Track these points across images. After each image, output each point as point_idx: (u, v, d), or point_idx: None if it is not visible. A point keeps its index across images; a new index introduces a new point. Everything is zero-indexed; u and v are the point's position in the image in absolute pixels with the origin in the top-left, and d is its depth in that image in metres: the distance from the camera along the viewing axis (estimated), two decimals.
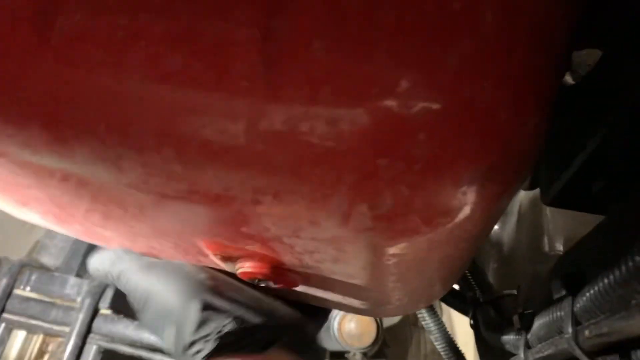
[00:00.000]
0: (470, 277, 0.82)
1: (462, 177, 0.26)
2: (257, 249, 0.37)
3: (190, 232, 0.38)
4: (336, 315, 1.24)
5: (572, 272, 0.36)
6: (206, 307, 0.45)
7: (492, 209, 0.30)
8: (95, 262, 0.58)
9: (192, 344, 0.44)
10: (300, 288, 0.47)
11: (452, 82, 0.25)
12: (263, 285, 0.42)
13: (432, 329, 0.87)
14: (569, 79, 0.52)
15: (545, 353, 0.39)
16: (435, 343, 0.89)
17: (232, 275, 0.49)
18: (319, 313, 0.58)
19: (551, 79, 0.30)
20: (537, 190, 0.80)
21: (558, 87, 0.42)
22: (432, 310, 0.89)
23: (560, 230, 0.75)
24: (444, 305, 1.68)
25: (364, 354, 1.27)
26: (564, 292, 0.35)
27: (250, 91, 0.25)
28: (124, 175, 0.31)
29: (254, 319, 0.46)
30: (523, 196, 0.89)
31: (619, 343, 0.33)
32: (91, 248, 1.20)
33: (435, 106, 0.25)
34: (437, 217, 0.28)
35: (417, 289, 0.42)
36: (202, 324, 0.44)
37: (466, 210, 0.28)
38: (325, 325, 1.25)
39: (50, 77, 0.28)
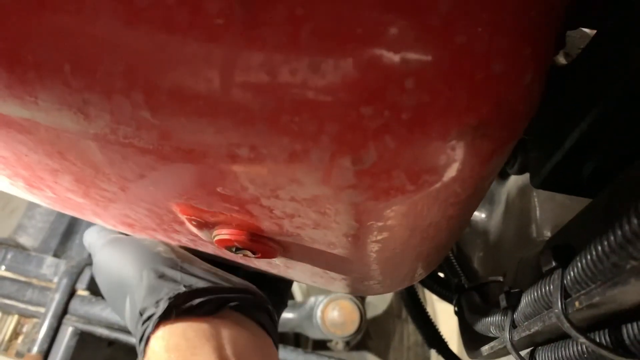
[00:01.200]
0: (455, 264, 0.81)
1: (451, 130, 0.25)
2: (234, 214, 0.35)
3: (164, 195, 0.36)
4: (319, 304, 1.23)
5: (563, 244, 0.34)
6: (159, 275, 0.46)
7: (482, 170, 0.28)
8: (86, 236, 0.58)
9: (145, 310, 0.43)
10: (280, 261, 0.46)
11: (443, 26, 0.23)
12: (241, 254, 0.40)
13: (415, 316, 0.86)
14: (561, 59, 0.51)
15: (532, 330, 0.38)
16: (419, 331, 0.88)
17: (193, 251, 0.49)
18: (280, 290, 0.59)
19: (548, 37, 0.29)
20: (525, 179, 0.79)
21: (553, 57, 0.41)
22: (414, 296, 0.87)
23: (549, 218, 0.74)
24: (427, 299, 1.68)
25: (347, 343, 1.26)
26: (553, 264, 0.33)
27: (225, 31, 0.24)
28: (91, 124, 0.28)
29: (206, 285, 0.46)
30: (511, 185, 0.88)
31: (608, 317, 0.32)
32: (70, 228, 1.18)
33: (425, 52, 0.23)
34: (424, 175, 0.26)
35: (401, 263, 0.41)
36: (153, 289, 0.44)
37: (454, 168, 0.26)
38: (308, 313, 1.24)
39: (12, 13, 0.26)
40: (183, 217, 0.38)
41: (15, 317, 1.05)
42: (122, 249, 0.52)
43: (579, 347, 0.36)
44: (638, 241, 0.24)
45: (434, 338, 0.86)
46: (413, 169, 0.26)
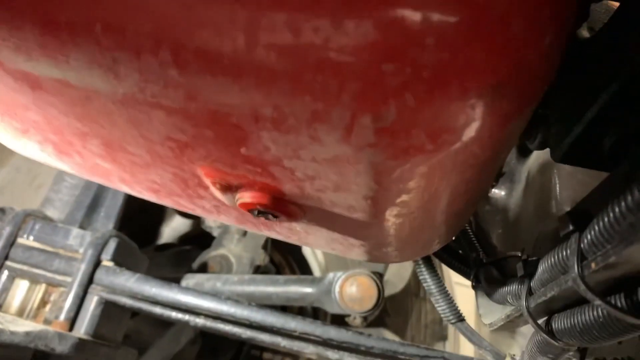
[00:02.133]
0: (474, 239, 0.81)
1: (470, 89, 0.25)
2: (257, 177, 0.36)
3: (189, 157, 0.37)
4: (338, 279, 1.24)
5: (580, 209, 0.34)
6: None
7: (500, 132, 0.29)
8: None
9: None
10: (300, 227, 0.47)
11: None
12: (262, 218, 0.41)
13: (433, 290, 0.86)
14: (585, 33, 0.50)
15: (549, 296, 0.38)
16: (436, 305, 0.88)
17: None
18: None
19: (570, 1, 0.29)
20: (546, 157, 0.79)
21: (575, 23, 0.41)
22: (433, 271, 0.88)
23: (569, 194, 0.74)
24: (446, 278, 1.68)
25: (364, 318, 1.27)
26: (570, 228, 0.34)
27: None
28: (121, 83, 0.29)
29: None
30: (532, 163, 0.88)
31: (623, 280, 0.32)
32: (95, 201, 1.21)
33: (446, 11, 0.24)
34: (443, 134, 0.27)
35: (420, 229, 0.41)
36: None
37: (473, 128, 0.27)
38: (327, 288, 1.25)
39: None
40: (207, 181, 0.39)
41: (43, 286, 1.08)
42: None
43: (595, 313, 0.36)
44: None
45: (451, 313, 0.87)
46: (433, 128, 0.27)
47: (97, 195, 1.20)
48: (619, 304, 0.32)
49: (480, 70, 0.25)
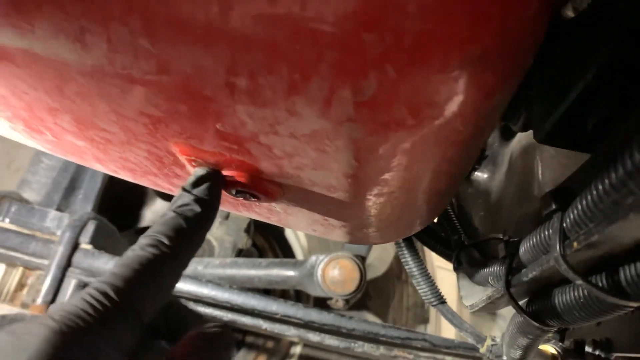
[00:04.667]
0: (455, 221, 0.81)
1: (453, 60, 0.24)
2: (234, 155, 0.35)
3: (162, 134, 0.36)
4: (320, 262, 1.24)
5: (563, 187, 0.34)
6: None
7: (483, 106, 0.28)
8: None
9: None
10: (280, 207, 0.46)
11: None
12: (241, 198, 0.40)
13: (415, 272, 0.86)
14: (569, 13, 0.50)
15: (530, 276, 0.38)
16: (417, 287, 0.88)
17: None
18: None
19: None
20: (529, 140, 0.78)
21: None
22: (415, 253, 0.88)
23: (551, 177, 0.74)
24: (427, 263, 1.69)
25: (346, 301, 1.27)
26: (553, 207, 0.33)
27: None
28: (89, 54, 0.28)
29: None
30: (515, 145, 0.88)
31: (606, 259, 0.32)
32: (73, 183, 1.18)
33: None
34: (425, 108, 0.26)
35: (401, 209, 0.41)
36: None
37: (456, 102, 0.26)
38: (309, 271, 1.25)
39: None
40: (183, 158, 0.38)
41: (20, 269, 1.07)
42: None
43: (576, 293, 0.36)
44: (639, 176, 0.24)
45: (432, 295, 0.87)
46: (414, 102, 0.26)
47: (75, 177, 1.18)
48: (599, 284, 0.32)
49: (464, 39, 0.24)
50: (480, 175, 0.94)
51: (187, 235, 0.36)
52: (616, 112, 0.39)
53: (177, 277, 0.36)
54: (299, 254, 1.67)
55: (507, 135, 0.90)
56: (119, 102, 0.33)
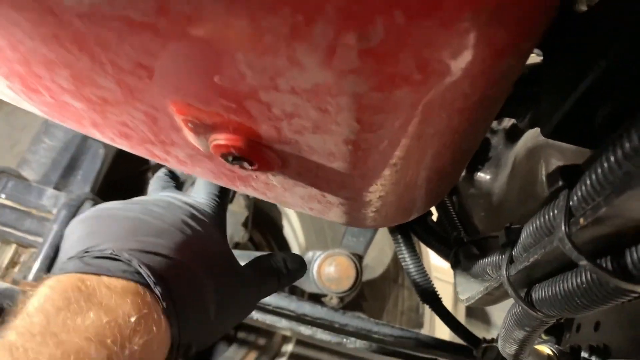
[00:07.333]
0: (455, 218, 0.80)
1: (466, 9, 0.23)
2: (232, 115, 0.34)
3: (160, 90, 0.34)
4: (317, 258, 1.23)
5: (571, 165, 0.33)
6: None
7: (493, 69, 0.27)
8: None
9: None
10: (277, 181, 0.45)
11: None
12: (237, 165, 0.39)
13: (411, 270, 0.85)
14: (582, 6, 0.49)
15: (531, 260, 0.37)
16: (414, 286, 0.87)
17: None
18: None
19: None
20: (534, 142, 0.77)
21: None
22: (413, 251, 0.87)
23: None
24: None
25: (341, 299, 1.26)
26: (560, 184, 0.32)
27: None
28: None
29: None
30: (519, 148, 0.87)
31: (612, 239, 0.30)
32: (72, 163, 1.17)
33: None
34: (432, 62, 0.25)
35: (401, 185, 0.39)
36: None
37: (466, 57, 0.25)
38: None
39: None
40: (179, 119, 0.37)
41: (14, 246, 1.05)
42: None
43: (578, 279, 0.35)
44: None
45: (427, 293, 0.86)
46: (421, 54, 0.24)
47: (74, 158, 1.17)
48: (604, 266, 0.31)
49: None
50: (483, 176, 0.93)
51: None
52: (624, 107, 0.38)
53: None
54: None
55: (511, 138, 0.89)
56: (116, 51, 0.32)
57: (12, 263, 1.07)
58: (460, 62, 0.25)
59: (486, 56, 0.25)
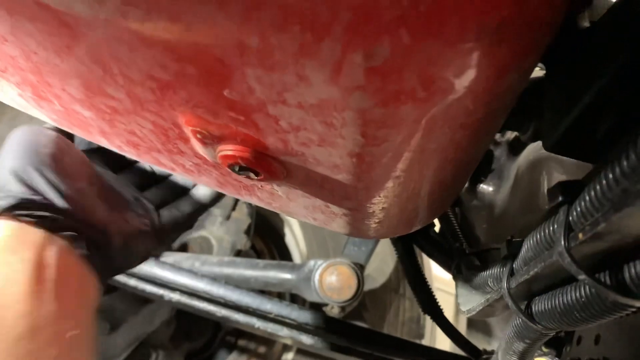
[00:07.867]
0: (458, 229, 0.81)
1: (469, 29, 0.24)
2: (240, 127, 0.35)
3: (170, 102, 0.35)
4: (318, 267, 1.23)
5: (572, 180, 0.33)
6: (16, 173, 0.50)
7: (496, 85, 0.27)
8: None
9: None
10: (282, 191, 0.45)
11: None
12: (244, 175, 0.40)
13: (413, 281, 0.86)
14: (585, 23, 0.50)
15: (531, 273, 0.37)
16: (415, 297, 0.87)
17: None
18: None
19: None
20: (537, 155, 0.78)
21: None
22: (415, 262, 0.87)
23: None
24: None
25: (342, 309, 1.26)
26: (559, 199, 0.33)
27: None
28: (102, 7, 0.28)
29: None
30: (522, 160, 0.88)
31: (610, 255, 0.31)
32: None
33: None
34: (436, 80, 0.26)
35: (404, 196, 0.40)
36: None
37: (470, 74, 0.25)
38: (306, 275, 1.24)
39: None
40: (188, 130, 0.38)
41: None
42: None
43: (577, 293, 0.35)
44: None
45: (429, 303, 0.86)
46: (426, 72, 0.25)
47: None
48: (603, 281, 0.31)
49: (481, 8, 0.23)
50: (486, 188, 0.93)
51: None
52: (625, 123, 0.39)
53: None
54: (297, 258, 1.66)
55: (514, 151, 0.89)
56: (128, 63, 0.32)
57: None
58: (464, 80, 0.26)
59: (490, 74, 0.26)
